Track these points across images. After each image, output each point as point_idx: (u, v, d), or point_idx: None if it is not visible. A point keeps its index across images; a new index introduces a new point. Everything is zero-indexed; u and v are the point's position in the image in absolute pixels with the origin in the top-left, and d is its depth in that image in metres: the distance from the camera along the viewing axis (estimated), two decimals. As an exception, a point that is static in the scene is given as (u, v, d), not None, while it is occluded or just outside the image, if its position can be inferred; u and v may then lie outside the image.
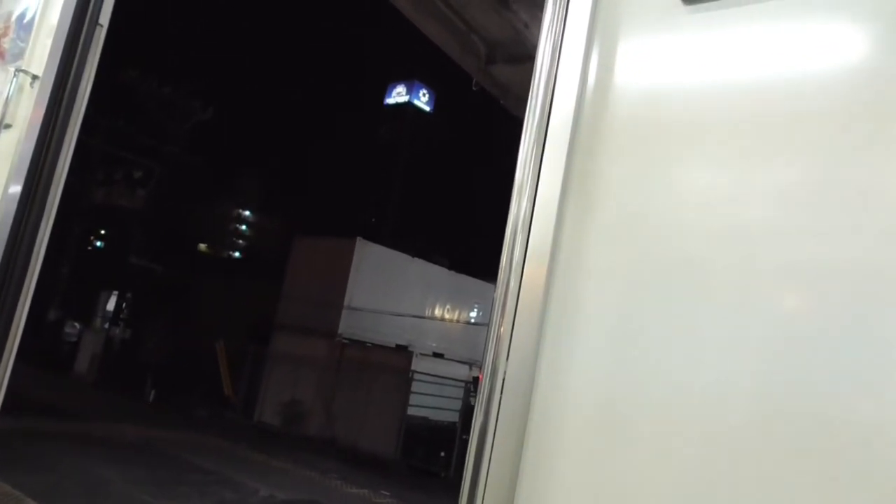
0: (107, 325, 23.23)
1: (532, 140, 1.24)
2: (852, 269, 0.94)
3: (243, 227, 28.98)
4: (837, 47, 1.04)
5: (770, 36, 1.09)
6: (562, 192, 1.21)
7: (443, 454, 13.70)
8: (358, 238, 18.08)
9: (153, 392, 17.78)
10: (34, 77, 1.94)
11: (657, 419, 1.04)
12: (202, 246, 26.79)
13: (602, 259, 1.16)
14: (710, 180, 1.10)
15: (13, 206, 1.92)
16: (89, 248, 25.67)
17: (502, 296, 1.21)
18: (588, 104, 1.23)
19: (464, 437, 13.21)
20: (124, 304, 23.61)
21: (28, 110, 1.94)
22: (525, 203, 1.22)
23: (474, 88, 4.50)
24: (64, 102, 1.89)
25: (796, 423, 0.93)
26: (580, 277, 1.17)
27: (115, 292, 23.79)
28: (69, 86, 1.89)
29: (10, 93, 1.95)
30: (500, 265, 1.23)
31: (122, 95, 23.33)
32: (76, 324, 22.61)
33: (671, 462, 1.01)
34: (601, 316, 1.13)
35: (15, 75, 1.95)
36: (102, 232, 25.90)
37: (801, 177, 1.01)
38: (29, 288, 2.00)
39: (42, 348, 20.02)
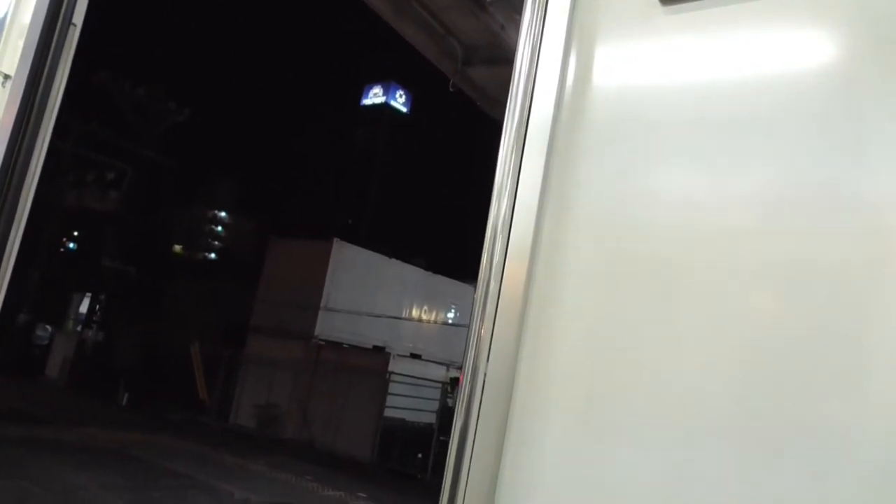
0: (79, 328, 22.82)
1: (511, 142, 1.25)
2: (828, 269, 0.96)
3: (218, 229, 28.65)
4: (814, 49, 1.06)
5: (747, 37, 1.11)
6: (541, 193, 1.22)
7: (420, 456, 13.69)
8: (335, 239, 18.00)
9: (126, 396, 17.51)
10: (6, 77, 1.91)
11: (637, 416, 1.05)
12: (176, 248, 26.44)
13: (581, 259, 1.17)
14: (688, 181, 1.12)
15: (-17, 208, 1.88)
16: (61, 249, 25.19)
17: (482, 296, 1.21)
18: (567, 106, 1.24)
19: (441, 438, 13.21)
20: (97, 307, 23.22)
21: (0, 110, 1.91)
22: (505, 204, 1.23)
23: (451, 90, 4.52)
24: (36, 103, 1.86)
25: (774, 421, 0.94)
26: (560, 277, 1.18)
27: (88, 295, 23.38)
28: (42, 86, 1.85)
29: (-19, 92, 1.92)
30: (481, 266, 1.23)
31: (95, 97, 22.96)
32: (48, 326, 22.16)
33: (651, 458, 1.02)
34: (581, 315, 1.14)
35: (-13, 75, 1.92)
36: (75, 234, 25.44)
37: (776, 177, 1.03)
38: (0, 290, 1.96)
39: (12, 352, 19.57)
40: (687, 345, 1.04)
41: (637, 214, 1.13)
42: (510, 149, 1.24)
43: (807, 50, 1.06)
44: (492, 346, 1.19)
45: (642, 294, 1.09)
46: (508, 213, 1.23)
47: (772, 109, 1.06)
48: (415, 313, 20.22)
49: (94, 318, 23.00)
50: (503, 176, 1.24)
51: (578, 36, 1.26)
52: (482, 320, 1.20)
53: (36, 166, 1.91)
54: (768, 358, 0.97)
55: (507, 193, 1.23)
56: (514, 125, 1.24)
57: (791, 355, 0.95)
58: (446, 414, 13.74)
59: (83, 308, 23.42)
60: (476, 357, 1.19)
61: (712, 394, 1.00)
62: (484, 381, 1.18)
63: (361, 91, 33.13)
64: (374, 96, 33.09)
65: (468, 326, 1.22)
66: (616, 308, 1.11)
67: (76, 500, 7.83)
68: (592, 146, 1.20)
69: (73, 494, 8.05)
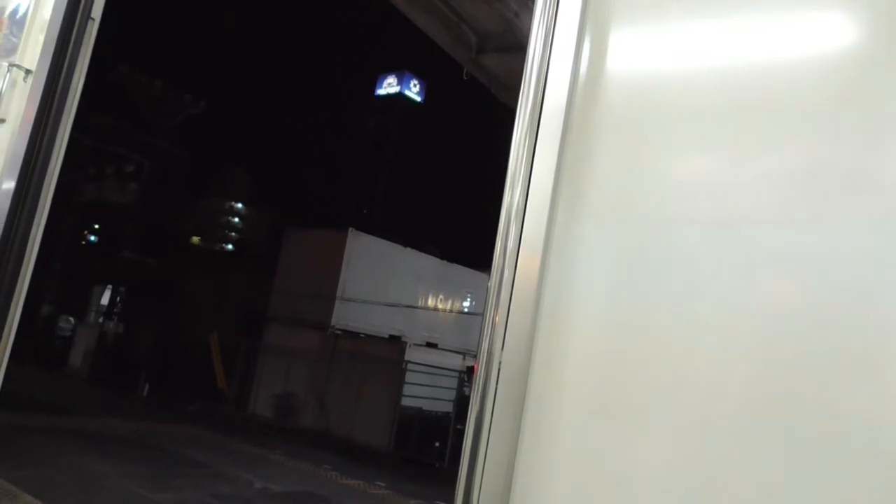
0: (100, 320, 23.14)
1: (525, 129, 1.24)
2: (844, 256, 0.95)
3: (235, 220, 28.86)
4: (833, 32, 1.05)
5: (764, 20, 1.09)
6: (555, 181, 1.22)
7: (437, 444, 13.75)
8: (350, 229, 18.04)
9: (147, 386, 17.75)
10: (27, 71, 1.94)
11: (653, 404, 1.05)
12: (194, 239, 26.67)
13: (595, 246, 1.17)
14: (703, 167, 1.11)
15: (7, 202, 1.92)
16: (83, 242, 25.52)
17: (496, 285, 1.22)
18: (580, 92, 1.24)
19: (458, 427, 13.25)
20: (118, 299, 23.52)
21: (21, 105, 1.94)
22: (518, 192, 1.23)
23: (465, 78, 4.51)
24: (57, 96, 1.88)
25: (793, 409, 0.94)
26: (574, 265, 1.18)
27: (109, 286, 23.69)
28: (62, 79, 1.88)
29: (4, 87, 1.95)
30: (494, 254, 1.23)
31: (113, 90, 23.16)
32: (70, 318, 22.50)
33: (668, 446, 1.02)
34: (595, 303, 1.14)
35: (8, 70, 1.95)
36: (95, 226, 25.75)
37: (792, 163, 1.02)
38: (23, 283, 2.00)
39: (36, 344, 19.91)
40: (704, 333, 1.03)
41: (652, 201, 1.13)
42: (524, 136, 1.24)
43: (826, 33, 1.05)
44: (506, 335, 1.19)
45: (658, 281, 1.09)
46: (522, 201, 1.23)
47: (790, 94, 1.04)
48: (430, 302, 20.25)
49: (115, 310, 23.30)
50: (517, 164, 1.24)
51: (592, 22, 1.25)
52: (496, 308, 1.21)
53: (57, 159, 1.94)
54: (787, 346, 0.96)
55: (520, 181, 1.23)
56: (528, 112, 1.24)
57: (811, 343, 0.95)
58: (463, 403, 13.78)
59: (104, 300, 23.73)
60: (491, 345, 1.19)
61: (729, 382, 1.00)
62: (499, 370, 1.18)
63: (375, 81, 33.11)
64: (388, 86, 33.05)
65: (483, 315, 1.23)
66: (631, 295, 1.11)
67: (99, 488, 7.98)
68: (606, 133, 1.20)
69: (95, 482, 8.20)
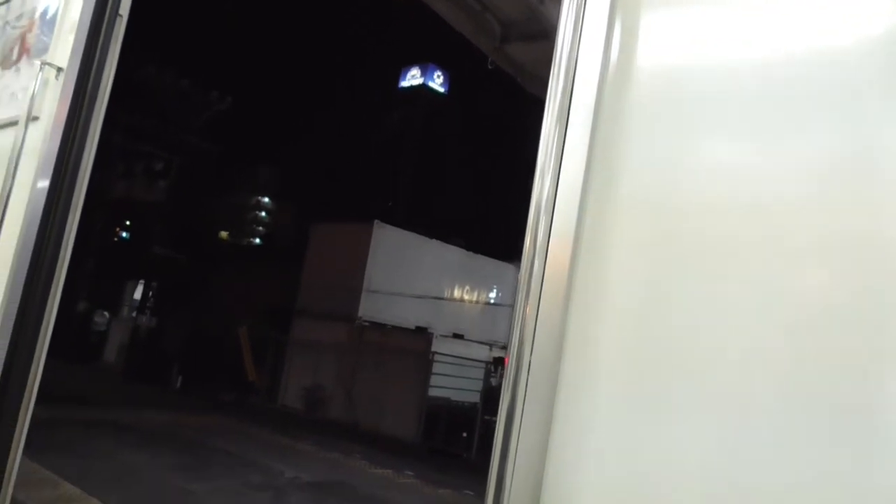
0: (133, 314, 23.61)
1: (554, 120, 1.23)
2: (884, 243, 0.93)
3: (262, 215, 29.16)
4: (870, 15, 1.02)
5: (799, 5, 1.07)
6: (585, 172, 1.20)
7: (464, 435, 13.80)
8: (375, 221, 18.12)
9: (179, 379, 18.08)
10: (59, 69, 1.97)
11: (687, 393, 1.04)
12: (222, 234, 27.03)
13: (627, 237, 1.15)
14: (736, 155, 1.09)
15: (42, 200, 1.96)
16: (114, 239, 26.03)
17: (527, 277, 1.21)
18: (611, 81, 1.22)
19: (485, 417, 13.29)
20: (150, 293, 23.97)
21: (54, 103, 1.97)
22: (548, 183, 1.22)
23: (490, 67, 4.48)
24: (88, 93, 1.92)
25: (831, 396, 0.92)
26: (605, 256, 1.17)
27: (141, 282, 24.15)
28: (92, 75, 1.91)
29: (37, 86, 1.99)
30: (524, 246, 1.23)
31: (140, 88, 23.50)
32: (105, 313, 23.01)
33: (704, 433, 1.01)
34: (627, 293, 1.13)
35: (41, 69, 1.98)
36: (126, 223, 26.23)
37: (831, 149, 1.00)
38: (59, 279, 2.04)
39: (73, 338, 20.39)
40: (739, 320, 1.02)
41: (684, 190, 1.11)
42: (553, 126, 1.23)
43: (862, 15, 1.02)
44: (537, 326, 1.19)
45: (691, 270, 1.08)
46: (552, 192, 1.22)
47: (827, 79, 1.02)
48: (456, 293, 20.28)
49: (147, 305, 23.76)
50: (546, 155, 1.23)
51: (622, 7, 1.23)
52: (527, 300, 1.20)
53: (89, 156, 1.97)
54: (822, 334, 0.94)
55: (550, 172, 1.22)
56: (557, 102, 1.23)
57: (845, 331, 0.93)
58: (490, 393, 13.80)
59: (137, 295, 24.21)
60: (521, 337, 1.19)
61: (765, 369, 0.98)
62: (530, 361, 1.18)
63: (399, 73, 33.15)
64: (412, 78, 33.05)
65: (513, 307, 1.22)
66: (664, 285, 1.10)
67: (136, 478, 8.16)
68: (638, 121, 1.18)
69: (132, 473, 8.39)
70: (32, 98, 2.00)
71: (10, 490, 1.95)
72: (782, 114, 1.05)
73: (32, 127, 2.03)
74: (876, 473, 0.88)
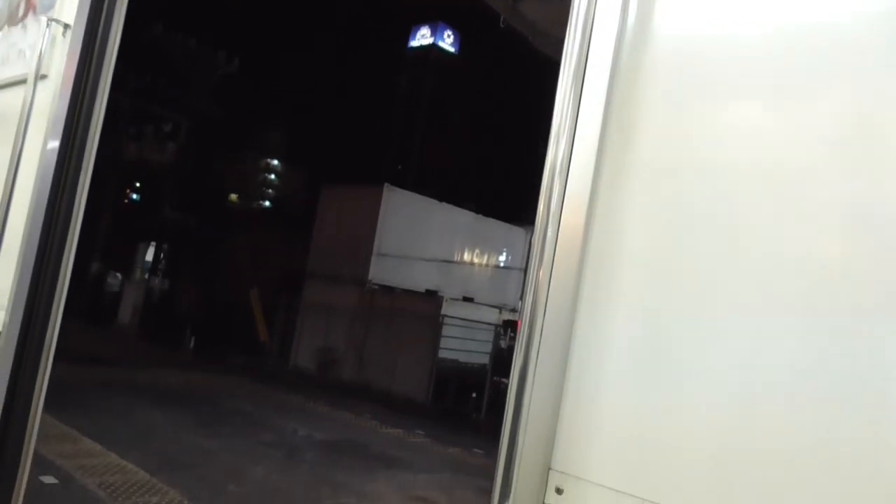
0: (146, 276, 23.86)
1: (570, 82, 1.21)
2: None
3: (272, 177, 29.13)
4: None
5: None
6: (601, 135, 1.19)
7: (474, 396, 13.98)
8: (385, 184, 18.07)
9: (193, 340, 18.34)
10: (66, 26, 1.95)
11: (701, 350, 1.04)
12: (232, 197, 27.07)
13: (642, 201, 1.14)
14: (753, 120, 1.07)
15: (53, 159, 1.96)
16: (125, 201, 26.15)
17: (540, 241, 1.20)
18: (628, 41, 1.19)
19: (494, 379, 13.44)
20: (161, 256, 24.17)
21: (62, 61, 1.96)
22: (563, 146, 1.20)
23: (502, 26, 4.40)
24: (96, 50, 1.90)
25: (846, 365, 0.92)
26: (620, 220, 1.16)
27: (152, 244, 24.33)
28: (100, 32, 1.89)
29: (45, 44, 1.97)
30: (538, 210, 1.22)
31: (148, 50, 23.30)
32: (118, 275, 23.28)
33: (715, 398, 1.02)
34: (642, 257, 1.13)
35: (48, 25, 1.96)
36: (137, 186, 26.31)
37: (847, 115, 0.98)
38: (73, 240, 2.05)
39: (87, 300, 20.67)
40: (754, 284, 1.01)
41: (700, 155, 1.09)
42: (568, 87, 1.21)
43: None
44: (550, 290, 1.19)
45: (706, 235, 1.07)
46: (567, 155, 1.20)
47: (844, 43, 0.99)
48: (466, 257, 20.31)
49: (159, 267, 23.98)
50: (561, 118, 1.21)
51: (641, -35, 1.20)
52: (540, 264, 1.19)
53: (99, 115, 1.96)
54: (835, 295, 0.94)
55: (565, 135, 1.20)
56: (573, 62, 1.20)
57: (858, 291, 0.92)
58: (500, 355, 13.92)
59: (148, 257, 24.42)
60: (535, 300, 1.19)
61: (778, 333, 0.98)
62: (543, 323, 1.18)
63: (408, 33, 32.63)
64: (422, 38, 32.54)
65: (525, 270, 1.22)
66: (679, 250, 1.09)
67: (153, 435, 8.35)
68: (656, 83, 1.16)
69: (149, 430, 8.58)
70: (40, 56, 1.98)
71: (32, 445, 2.00)
72: (799, 78, 1.02)
73: (41, 85, 2.02)
74: (888, 421, 0.88)
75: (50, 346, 2.02)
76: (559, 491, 1.14)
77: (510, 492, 1.15)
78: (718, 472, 0.99)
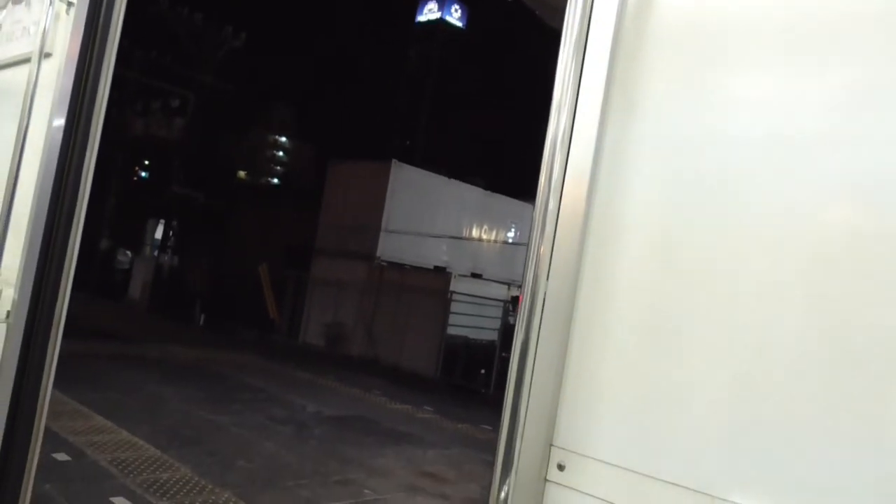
0: (156, 253, 24.01)
1: (571, 53, 1.19)
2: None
3: (280, 154, 29.10)
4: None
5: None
6: (602, 106, 1.17)
7: (483, 372, 14.07)
8: (393, 161, 18.02)
9: (202, 316, 18.49)
10: (69, 3, 1.94)
11: (703, 327, 1.03)
12: (241, 173, 27.08)
13: (644, 172, 1.13)
14: (757, 88, 1.05)
15: (59, 137, 1.96)
16: (134, 178, 26.22)
17: (542, 215, 1.19)
18: (630, 12, 1.17)
19: (503, 354, 13.50)
20: (171, 232, 24.29)
21: (66, 39, 1.95)
22: (564, 119, 1.19)
23: (509, 0, 4.33)
24: (100, 27, 1.89)
25: (852, 331, 0.91)
26: (622, 193, 1.15)
27: (162, 221, 24.44)
28: (103, 9, 1.88)
29: (48, 21, 1.96)
30: (539, 184, 1.21)
31: (154, 25, 23.16)
32: (128, 252, 23.43)
33: (718, 369, 1.01)
34: (645, 228, 1.12)
35: (51, 3, 1.95)
36: (146, 163, 26.35)
37: (854, 80, 0.96)
38: (80, 215, 2.06)
39: (98, 276, 20.83)
40: (759, 251, 1.00)
41: (704, 124, 1.08)
42: (569, 60, 1.19)
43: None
44: (552, 264, 1.18)
45: (710, 206, 1.06)
46: (568, 128, 1.19)
47: (848, 11, 0.97)
48: (474, 233, 20.29)
49: (169, 244, 24.11)
50: (562, 90, 1.19)
51: (644, -67, 1.17)
52: (542, 239, 1.19)
53: (104, 91, 1.96)
54: (840, 265, 0.93)
55: (566, 108, 1.19)
56: (574, 31, 1.19)
57: (863, 261, 0.91)
58: (508, 331, 13.97)
59: (158, 234, 24.54)
60: (536, 274, 1.18)
61: (784, 299, 0.97)
62: (545, 298, 1.18)
63: (416, 8, 32.27)
64: (429, 12, 32.20)
65: (527, 246, 1.22)
66: (682, 222, 1.08)
67: (164, 410, 8.46)
68: (658, 51, 1.14)
69: (160, 405, 8.69)
70: (44, 34, 1.98)
71: (43, 422, 2.03)
72: (803, 46, 1.00)
73: (46, 63, 2.02)
74: (892, 403, 0.87)
75: (59, 323, 2.04)
76: (561, 467, 1.14)
77: (512, 469, 1.15)
78: (720, 447, 0.99)
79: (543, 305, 1.18)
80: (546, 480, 1.15)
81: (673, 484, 1.02)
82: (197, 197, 23.75)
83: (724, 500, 0.97)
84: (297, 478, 6.51)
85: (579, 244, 1.17)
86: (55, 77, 1.98)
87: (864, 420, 0.89)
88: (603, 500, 1.09)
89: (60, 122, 1.97)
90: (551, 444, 1.16)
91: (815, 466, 0.91)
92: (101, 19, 1.93)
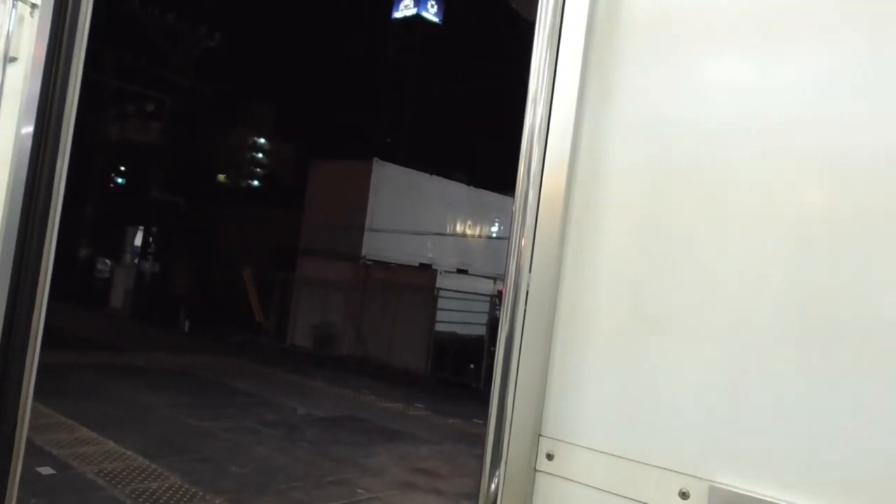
0: (136, 260, 23.77)
1: (545, 42, 1.18)
2: (884, 157, 0.91)
3: (260, 156, 28.90)
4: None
5: None
6: (579, 96, 1.16)
7: (472, 366, 14.10)
8: (375, 159, 17.97)
9: (187, 322, 18.34)
10: (33, 6, 1.90)
11: (685, 310, 1.03)
12: (221, 176, 26.86)
13: (623, 159, 1.13)
14: (733, 74, 1.05)
15: (28, 144, 1.92)
16: (111, 185, 25.89)
17: (521, 208, 1.19)
18: (604, -2, 1.16)
19: (491, 349, 13.53)
20: (151, 239, 24.05)
21: (31, 41, 1.91)
22: (541, 110, 1.18)
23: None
24: (66, 30, 1.85)
25: (831, 308, 0.92)
26: (601, 182, 1.14)
27: (141, 227, 24.18)
28: (69, 11, 1.84)
29: (11, 25, 1.91)
30: (518, 176, 1.20)
31: (125, 26, 22.88)
32: (107, 260, 23.16)
33: (702, 351, 1.01)
34: (625, 217, 1.11)
35: (13, 5, 1.91)
36: (122, 168, 26.04)
37: (826, 65, 0.96)
38: (54, 224, 2.02)
39: (77, 286, 20.58)
40: (740, 235, 1.00)
41: (681, 109, 1.08)
42: (544, 49, 1.18)
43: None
44: (533, 257, 1.18)
45: (689, 192, 1.05)
46: (545, 119, 1.18)
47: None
48: (459, 228, 20.30)
49: (149, 251, 23.87)
50: (538, 80, 1.18)
51: (614, -83, 1.16)
52: (522, 231, 1.18)
53: (73, 96, 1.92)
54: (820, 250, 0.93)
55: (542, 99, 1.18)
56: (548, 21, 1.17)
57: (849, 241, 0.91)
58: (495, 326, 13.94)
59: (137, 241, 24.29)
60: (518, 267, 1.18)
61: (764, 284, 0.97)
62: (527, 292, 1.17)
63: (391, 4, 32.14)
64: (405, 8, 32.08)
65: (508, 238, 1.21)
66: (662, 209, 1.08)
67: (152, 419, 8.38)
68: (634, 39, 1.13)
69: (148, 413, 8.61)
70: (8, 37, 1.93)
71: (24, 435, 1.99)
72: (777, 31, 1.00)
73: (11, 68, 1.97)
74: (873, 385, 0.88)
75: (36, 335, 1.99)
76: (549, 457, 1.14)
77: (501, 461, 1.15)
78: (706, 429, 1.00)
79: (527, 297, 1.17)
80: (535, 470, 1.15)
81: (661, 468, 1.03)
82: (177, 201, 23.52)
83: (712, 480, 0.98)
84: (291, 480, 6.48)
85: (560, 234, 1.17)
86: (22, 82, 1.94)
87: (844, 394, 0.90)
88: (592, 486, 1.09)
89: (29, 129, 1.93)
90: (539, 435, 1.15)
91: (798, 442, 0.92)
92: (68, 21, 1.88)
